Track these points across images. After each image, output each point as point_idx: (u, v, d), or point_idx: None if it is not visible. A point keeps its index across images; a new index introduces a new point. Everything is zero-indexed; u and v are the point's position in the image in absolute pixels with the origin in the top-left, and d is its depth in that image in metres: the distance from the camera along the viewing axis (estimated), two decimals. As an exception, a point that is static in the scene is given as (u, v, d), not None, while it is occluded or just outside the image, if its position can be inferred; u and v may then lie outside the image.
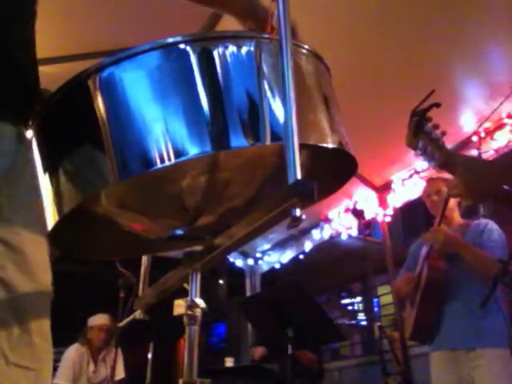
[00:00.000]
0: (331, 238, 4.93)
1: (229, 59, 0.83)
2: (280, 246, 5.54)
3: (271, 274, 5.88)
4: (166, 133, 0.79)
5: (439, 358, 2.56)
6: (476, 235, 2.56)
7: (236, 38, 0.87)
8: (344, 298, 8.62)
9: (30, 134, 0.94)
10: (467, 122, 3.43)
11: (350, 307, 8.53)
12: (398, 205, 4.28)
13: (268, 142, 0.80)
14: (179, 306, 1.01)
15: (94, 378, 4.09)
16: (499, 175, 1.60)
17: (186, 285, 1.04)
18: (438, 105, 1.64)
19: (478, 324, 2.38)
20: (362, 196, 4.49)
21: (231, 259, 5.79)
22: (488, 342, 2.35)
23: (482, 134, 3.39)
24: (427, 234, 2.63)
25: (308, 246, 5.14)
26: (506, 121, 3.28)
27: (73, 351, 4.13)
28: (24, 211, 0.80)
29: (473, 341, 2.40)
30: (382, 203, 4.34)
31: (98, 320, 4.19)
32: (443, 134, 1.63)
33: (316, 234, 5.02)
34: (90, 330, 4.18)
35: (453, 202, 2.60)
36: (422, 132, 1.62)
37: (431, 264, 2.61)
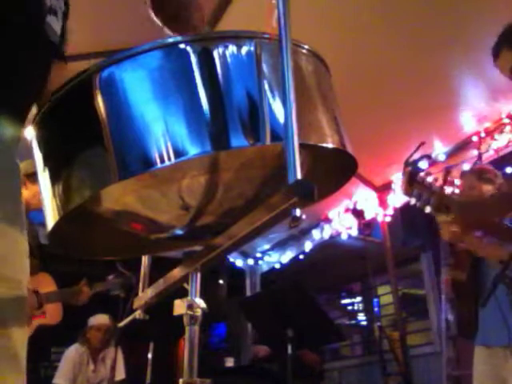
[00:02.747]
0: (331, 237, 4.93)
1: (229, 59, 0.83)
2: (280, 246, 5.54)
3: (271, 274, 5.88)
4: (166, 133, 0.79)
5: (478, 353, 2.57)
6: None
7: (236, 38, 0.87)
8: (344, 297, 8.62)
9: (29, 133, 0.94)
10: (467, 122, 3.44)
11: (349, 307, 8.53)
12: (398, 205, 4.28)
13: (268, 141, 0.80)
14: (179, 306, 1.01)
15: (93, 378, 4.09)
16: (489, 211, 1.82)
17: (185, 285, 1.04)
18: (428, 156, 1.91)
19: (508, 321, 2.37)
20: (362, 196, 4.49)
21: (231, 259, 5.79)
22: None
23: (482, 134, 3.39)
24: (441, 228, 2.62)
25: (308, 246, 5.14)
26: (506, 121, 3.28)
27: (73, 351, 4.14)
28: None
29: (506, 338, 2.39)
30: (382, 203, 4.35)
31: (97, 320, 4.19)
32: (435, 180, 1.87)
33: (316, 234, 5.02)
34: (89, 330, 4.18)
35: (487, 186, 2.55)
36: (416, 181, 1.84)
37: (455, 262, 2.63)
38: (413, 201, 1.89)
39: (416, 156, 1.88)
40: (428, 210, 1.87)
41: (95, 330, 4.16)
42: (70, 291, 3.49)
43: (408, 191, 1.87)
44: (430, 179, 1.86)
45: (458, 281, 2.61)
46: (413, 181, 1.85)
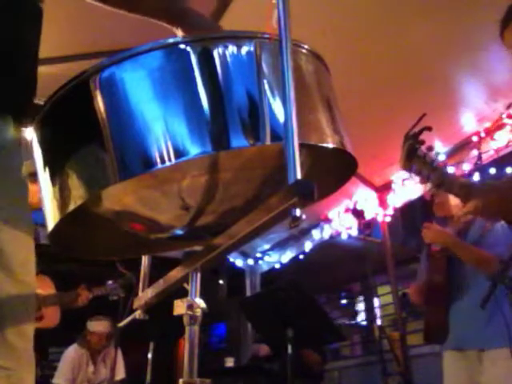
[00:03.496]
0: (331, 237, 4.93)
1: (229, 59, 0.83)
2: (280, 246, 5.53)
3: (271, 274, 5.88)
4: (166, 133, 0.79)
5: (449, 357, 2.55)
6: (478, 231, 2.52)
7: (236, 38, 0.87)
8: (344, 297, 8.63)
9: (30, 133, 0.94)
10: (467, 122, 3.44)
11: (349, 307, 8.54)
12: (398, 205, 4.28)
13: (268, 141, 0.80)
14: (179, 306, 1.01)
15: (93, 379, 4.08)
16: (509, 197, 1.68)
17: (185, 285, 1.04)
18: (429, 128, 1.71)
19: (484, 323, 2.35)
20: (361, 196, 4.49)
21: (231, 259, 5.79)
22: (495, 342, 2.31)
23: (482, 134, 3.39)
24: (423, 232, 2.61)
25: (308, 246, 5.14)
26: (506, 121, 3.28)
27: (72, 352, 4.12)
28: (8, 210, 0.77)
29: (481, 341, 2.37)
30: (382, 203, 4.35)
31: (99, 327, 4.10)
32: (437, 154, 1.71)
33: (316, 234, 5.02)
34: (90, 335, 4.12)
35: (456, 199, 2.55)
36: (416, 155, 1.70)
37: (431, 265, 2.61)
38: (412, 175, 1.77)
39: (417, 130, 1.73)
40: (428, 186, 1.76)
41: (96, 336, 4.10)
42: (68, 295, 3.48)
43: (407, 166, 1.74)
44: (431, 154, 1.72)
45: (435, 284, 2.58)
46: (413, 155, 1.71)
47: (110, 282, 3.61)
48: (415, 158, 1.72)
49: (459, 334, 2.48)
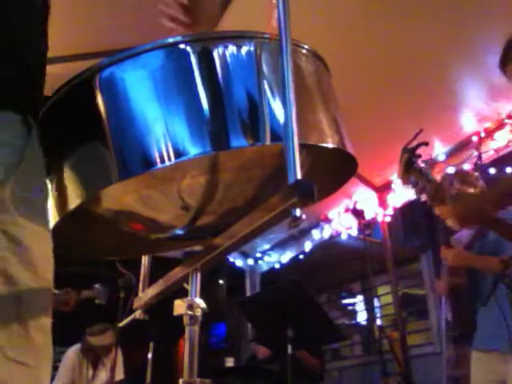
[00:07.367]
0: (331, 237, 4.92)
1: (229, 59, 0.83)
2: (280, 246, 5.53)
3: (271, 274, 5.88)
4: (166, 133, 0.79)
5: (475, 357, 2.54)
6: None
7: (236, 38, 0.87)
8: (344, 297, 8.62)
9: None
10: (467, 122, 3.43)
11: (350, 307, 8.53)
12: (398, 205, 4.27)
13: (268, 142, 0.80)
14: (179, 306, 1.01)
15: (93, 383, 4.06)
16: (488, 204, 1.81)
17: (185, 285, 1.04)
18: (425, 143, 1.86)
19: (509, 321, 2.33)
20: (361, 196, 4.49)
21: (231, 259, 5.79)
22: None
23: (482, 134, 3.39)
24: (441, 251, 2.61)
25: (308, 246, 5.14)
26: (506, 121, 3.28)
27: (72, 354, 4.09)
28: (29, 205, 0.78)
29: (506, 339, 2.35)
30: (382, 203, 4.34)
31: (103, 341, 4.01)
32: (431, 168, 1.87)
33: (316, 234, 5.02)
34: (95, 347, 4.02)
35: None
36: (413, 168, 1.84)
37: (451, 270, 2.61)
38: (410, 187, 1.90)
39: (414, 143, 1.87)
40: (424, 197, 1.87)
41: (101, 348, 4.02)
42: (55, 297, 3.44)
43: (405, 178, 1.88)
44: (427, 168, 1.85)
45: (457, 286, 2.58)
46: (410, 168, 1.84)
47: (97, 285, 3.57)
48: (412, 171, 1.85)
49: (485, 333, 2.46)
